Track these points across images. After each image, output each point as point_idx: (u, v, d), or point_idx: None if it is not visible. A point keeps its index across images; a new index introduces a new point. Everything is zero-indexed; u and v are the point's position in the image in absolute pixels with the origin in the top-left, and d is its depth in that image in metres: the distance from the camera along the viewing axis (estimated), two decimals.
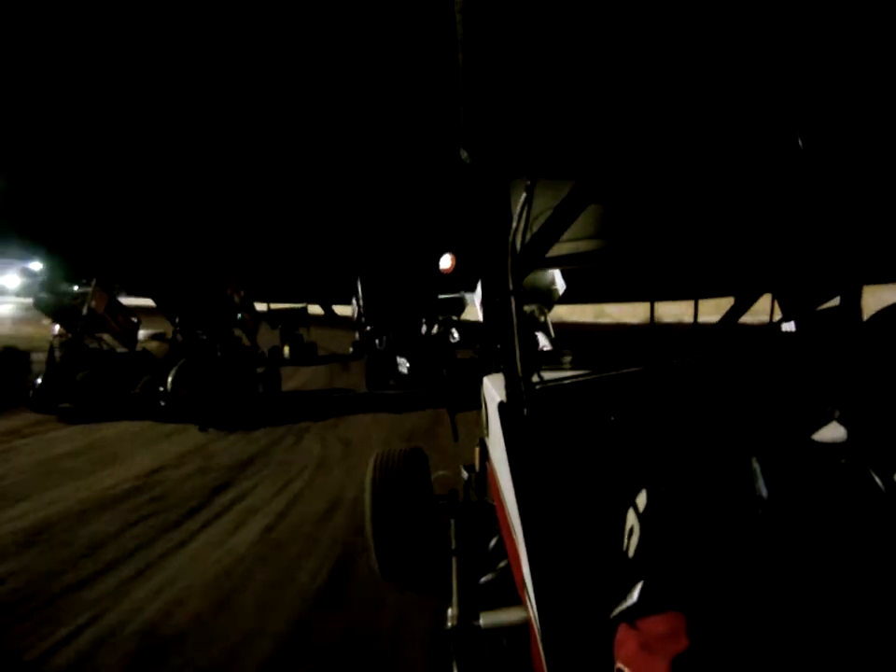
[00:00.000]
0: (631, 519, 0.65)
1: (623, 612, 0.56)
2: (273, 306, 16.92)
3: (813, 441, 0.60)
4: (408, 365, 9.23)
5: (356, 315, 13.82)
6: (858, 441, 0.57)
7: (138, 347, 8.56)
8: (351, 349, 14.93)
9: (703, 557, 0.54)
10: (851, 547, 0.49)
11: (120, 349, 8.23)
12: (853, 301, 1.42)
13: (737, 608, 0.48)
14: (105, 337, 8.18)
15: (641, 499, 0.65)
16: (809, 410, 0.64)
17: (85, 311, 7.52)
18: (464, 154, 1.10)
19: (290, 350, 14.48)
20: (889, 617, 0.43)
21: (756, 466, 0.58)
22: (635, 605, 0.54)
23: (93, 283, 7.86)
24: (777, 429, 0.72)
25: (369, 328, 11.85)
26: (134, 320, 8.46)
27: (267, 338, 14.87)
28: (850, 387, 0.64)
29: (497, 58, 0.84)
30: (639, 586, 0.55)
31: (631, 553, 0.61)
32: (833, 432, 0.59)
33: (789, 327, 1.61)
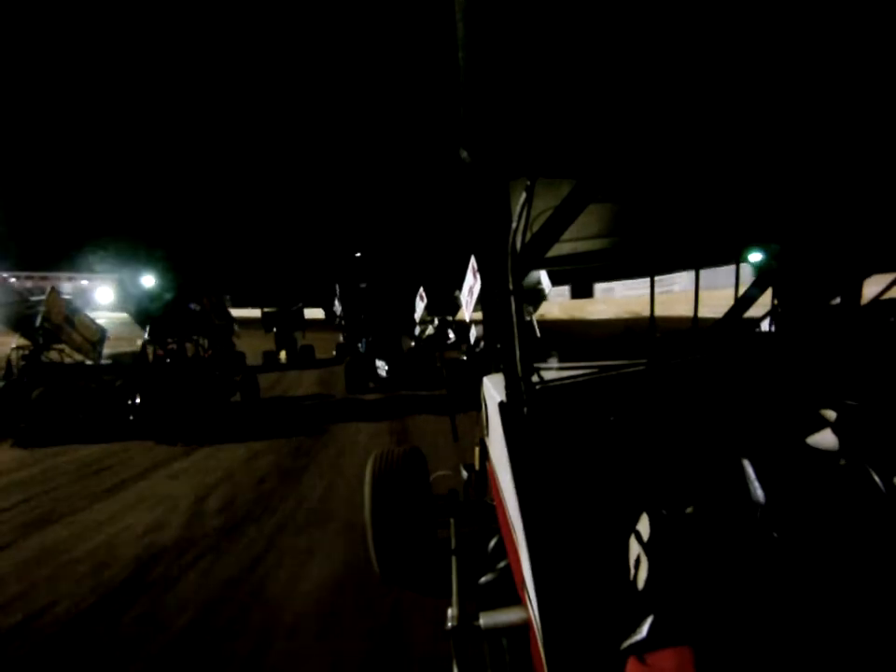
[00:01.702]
0: (636, 548, 0.65)
1: (632, 646, 0.56)
2: (266, 310, 16.51)
3: (808, 444, 0.60)
4: (387, 368, 9.24)
5: (338, 319, 13.82)
6: (854, 441, 0.57)
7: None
8: (334, 353, 14.62)
9: (710, 589, 0.54)
10: (854, 559, 0.49)
11: (88, 361, 7.71)
12: (853, 299, 1.42)
13: (744, 641, 0.48)
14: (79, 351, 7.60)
15: (643, 526, 0.65)
16: (806, 410, 0.64)
17: (39, 321, 6.90)
18: (464, 154, 1.10)
19: (287, 354, 14.06)
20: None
21: (750, 469, 0.59)
22: (644, 639, 0.54)
23: (49, 290, 7.31)
24: (774, 431, 0.71)
25: (344, 334, 11.77)
26: (99, 330, 7.99)
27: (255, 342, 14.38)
28: (848, 385, 0.64)
29: (497, 58, 0.83)
30: (649, 621, 0.55)
31: (640, 584, 0.61)
32: (825, 439, 0.59)
33: (765, 326, 1.61)
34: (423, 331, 12.10)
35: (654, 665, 0.52)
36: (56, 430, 6.09)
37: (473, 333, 9.47)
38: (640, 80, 0.89)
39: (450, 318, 13.97)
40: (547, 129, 1.06)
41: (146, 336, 7.40)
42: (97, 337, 7.97)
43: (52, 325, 7.10)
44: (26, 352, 7.01)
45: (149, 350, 7.20)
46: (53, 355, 7.46)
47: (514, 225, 1.13)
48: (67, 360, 7.59)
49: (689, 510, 0.61)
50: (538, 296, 9.15)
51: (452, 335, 13.28)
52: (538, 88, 0.92)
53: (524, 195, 1.11)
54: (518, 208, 1.12)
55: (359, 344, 10.77)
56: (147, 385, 6.38)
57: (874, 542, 0.51)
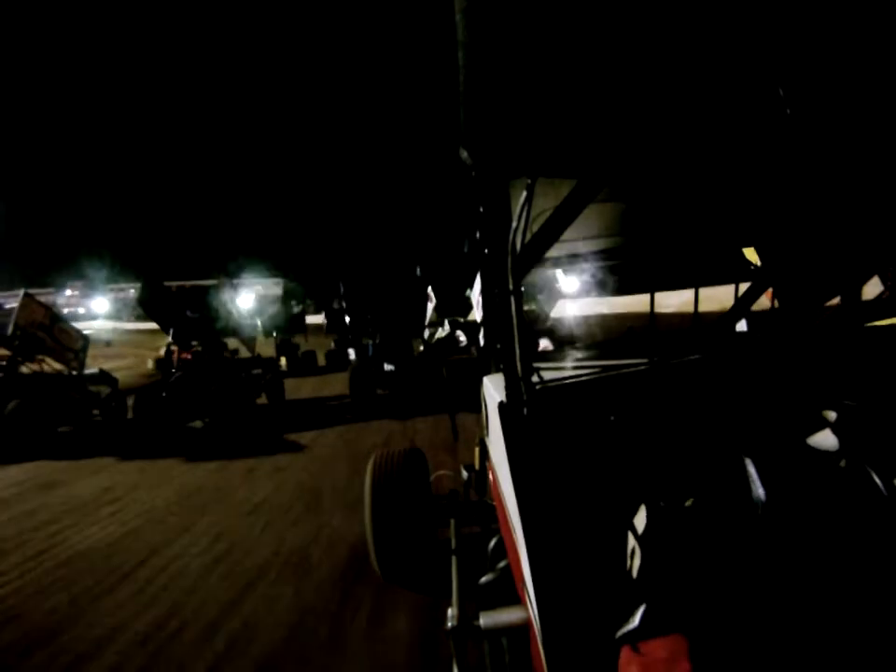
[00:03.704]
0: (632, 539, 0.65)
1: (625, 635, 0.56)
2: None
3: (809, 444, 0.60)
4: (396, 373, 9.00)
5: (327, 323, 13.41)
6: (854, 441, 0.57)
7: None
8: (325, 361, 13.84)
9: (703, 580, 0.54)
10: (854, 558, 0.49)
11: (73, 372, 7.34)
12: (853, 300, 1.42)
13: (737, 630, 0.48)
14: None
15: (640, 518, 0.65)
16: (807, 410, 0.64)
17: (11, 329, 6.58)
18: (464, 154, 1.10)
19: (287, 361, 13.38)
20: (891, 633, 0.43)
21: (751, 468, 0.59)
22: (637, 628, 0.55)
23: (21, 295, 6.95)
24: (775, 431, 0.71)
25: (336, 338, 11.35)
26: (81, 338, 7.68)
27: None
28: (848, 385, 0.64)
29: (497, 58, 0.83)
30: (641, 610, 0.55)
31: (634, 574, 0.61)
32: (826, 439, 0.59)
33: (741, 326, 1.60)
34: (432, 334, 11.81)
35: (648, 653, 0.52)
36: (31, 446, 5.75)
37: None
38: (640, 79, 0.89)
39: (461, 320, 13.65)
40: (547, 129, 1.06)
41: (169, 339, 7.33)
42: (79, 345, 7.61)
43: (26, 333, 6.78)
44: (3, 363, 6.67)
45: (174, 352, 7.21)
46: (36, 366, 7.13)
47: (514, 225, 1.12)
48: (47, 370, 7.18)
49: (688, 503, 0.61)
50: (554, 294, 9.09)
51: (462, 337, 12.93)
52: (538, 88, 0.92)
53: (524, 195, 1.11)
54: (518, 208, 1.12)
55: (350, 349, 10.58)
56: (177, 386, 6.36)
57: (873, 541, 0.51)
